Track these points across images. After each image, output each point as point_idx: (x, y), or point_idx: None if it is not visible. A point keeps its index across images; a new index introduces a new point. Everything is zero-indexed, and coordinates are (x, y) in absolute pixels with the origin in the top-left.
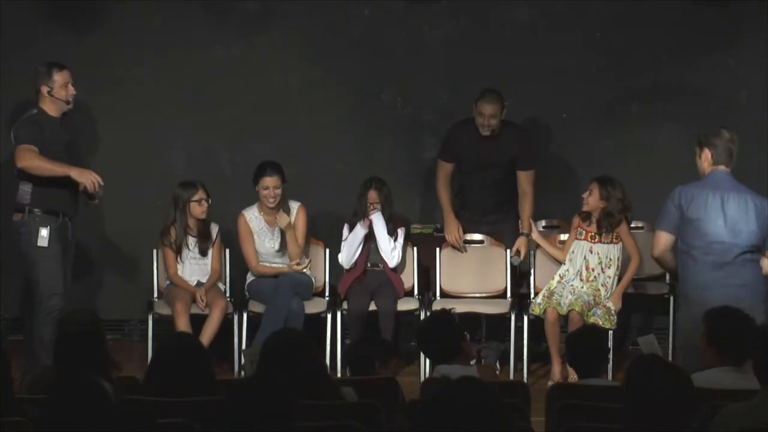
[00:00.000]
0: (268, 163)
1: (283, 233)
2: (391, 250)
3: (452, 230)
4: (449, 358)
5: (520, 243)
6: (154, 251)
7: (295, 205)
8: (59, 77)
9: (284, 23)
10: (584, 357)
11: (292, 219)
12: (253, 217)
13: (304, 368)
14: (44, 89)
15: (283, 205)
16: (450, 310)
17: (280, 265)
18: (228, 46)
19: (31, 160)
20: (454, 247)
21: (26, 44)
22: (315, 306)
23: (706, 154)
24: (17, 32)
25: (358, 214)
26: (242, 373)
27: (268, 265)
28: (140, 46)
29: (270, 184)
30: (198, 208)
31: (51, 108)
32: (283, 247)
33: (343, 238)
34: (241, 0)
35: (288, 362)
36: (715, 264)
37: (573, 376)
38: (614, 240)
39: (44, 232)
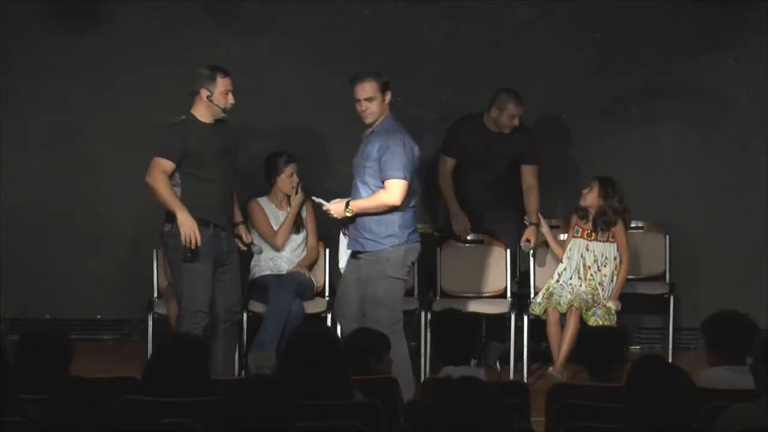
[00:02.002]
0: (281, 152)
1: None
2: None
3: (459, 222)
4: (463, 360)
5: (530, 233)
6: (154, 251)
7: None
8: (222, 83)
9: (284, 23)
10: (596, 357)
11: (303, 213)
12: (263, 203)
13: (328, 367)
14: (204, 93)
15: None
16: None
17: (273, 260)
18: (228, 46)
19: (155, 181)
20: (461, 239)
21: (26, 44)
22: (315, 306)
23: (387, 97)
24: (17, 32)
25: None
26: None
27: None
28: (140, 46)
29: (293, 170)
30: None
31: (204, 113)
32: (295, 233)
33: (341, 243)
34: (241, 0)
35: (313, 358)
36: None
37: (562, 374)
38: (610, 239)
39: (191, 246)
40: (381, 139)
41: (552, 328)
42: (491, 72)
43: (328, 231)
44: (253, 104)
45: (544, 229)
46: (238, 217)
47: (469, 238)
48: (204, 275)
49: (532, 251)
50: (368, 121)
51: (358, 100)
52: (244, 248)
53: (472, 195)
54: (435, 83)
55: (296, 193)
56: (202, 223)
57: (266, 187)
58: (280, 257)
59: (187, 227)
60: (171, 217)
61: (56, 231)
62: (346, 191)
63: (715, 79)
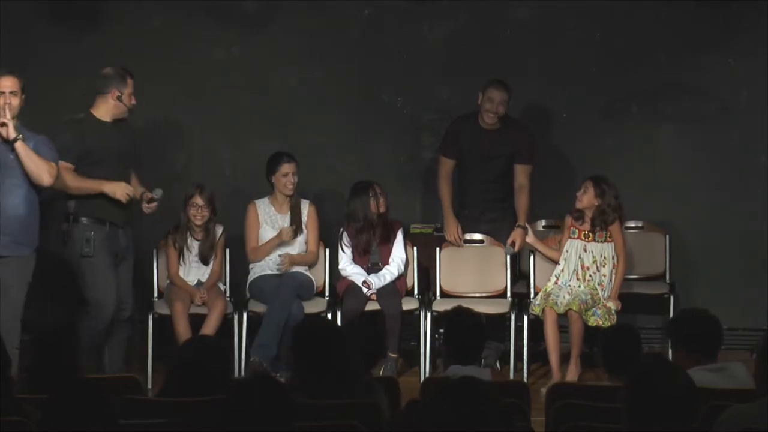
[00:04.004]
0: (282, 152)
1: (292, 222)
2: (398, 268)
3: (451, 230)
4: (470, 360)
5: (516, 234)
6: (154, 251)
7: (305, 203)
8: (131, 84)
9: (284, 23)
10: (618, 356)
11: (305, 217)
12: (262, 205)
13: (337, 360)
14: (115, 93)
15: (296, 198)
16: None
17: (270, 263)
18: (228, 46)
19: (63, 184)
20: (453, 244)
21: (26, 44)
22: (315, 306)
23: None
24: (17, 32)
25: (359, 216)
26: None
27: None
28: (140, 46)
29: (289, 170)
30: (192, 211)
31: (106, 113)
32: (292, 237)
33: (344, 244)
34: (241, 0)
35: (319, 352)
36: None
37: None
38: (608, 239)
39: (88, 242)
40: (31, 140)
41: (549, 328)
42: (491, 71)
43: (328, 231)
44: (253, 104)
45: (530, 239)
46: (138, 193)
47: (468, 238)
48: (104, 267)
49: (512, 253)
50: (10, 116)
51: (2, 93)
52: (149, 205)
53: (471, 194)
54: (435, 83)
55: (290, 193)
56: (97, 221)
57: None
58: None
59: (119, 191)
60: (65, 215)
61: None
62: (345, 191)
63: (715, 79)
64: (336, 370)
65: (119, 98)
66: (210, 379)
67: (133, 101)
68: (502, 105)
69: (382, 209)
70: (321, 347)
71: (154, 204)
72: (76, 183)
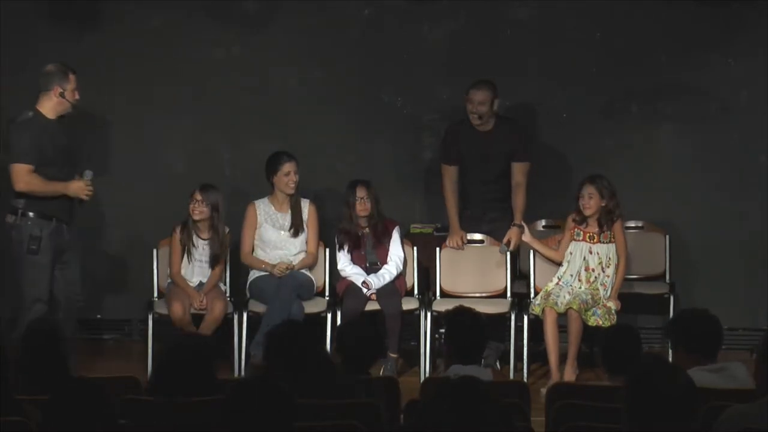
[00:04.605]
0: (282, 151)
1: (293, 220)
2: (396, 267)
3: (455, 239)
4: (471, 360)
5: (512, 233)
6: (154, 251)
7: (305, 202)
8: (73, 80)
9: (284, 23)
10: (618, 356)
11: (305, 216)
12: (262, 205)
13: (308, 356)
14: (57, 90)
15: (297, 197)
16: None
17: (272, 262)
18: (228, 46)
19: (27, 184)
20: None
21: (26, 44)
22: (315, 306)
23: None
24: (17, 32)
25: (345, 219)
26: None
27: (268, 253)
28: (140, 46)
29: (291, 169)
30: (191, 206)
31: (51, 110)
32: (293, 236)
33: (338, 247)
34: (241, 0)
35: (291, 350)
36: None
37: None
38: (612, 239)
39: (35, 239)
40: None
41: (549, 328)
42: (491, 71)
43: (328, 231)
44: (253, 104)
45: (527, 238)
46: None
47: (468, 238)
48: (45, 267)
49: (506, 251)
50: None
51: None
52: (88, 187)
53: (472, 195)
54: (435, 83)
55: (292, 192)
56: (43, 217)
57: (270, 188)
58: (281, 260)
59: (79, 190)
60: (13, 209)
61: None
62: (345, 191)
63: (715, 79)
64: (308, 369)
65: (62, 95)
66: (193, 379)
67: (77, 96)
68: (482, 105)
69: (362, 213)
70: (290, 347)
71: (90, 187)
72: (46, 187)
